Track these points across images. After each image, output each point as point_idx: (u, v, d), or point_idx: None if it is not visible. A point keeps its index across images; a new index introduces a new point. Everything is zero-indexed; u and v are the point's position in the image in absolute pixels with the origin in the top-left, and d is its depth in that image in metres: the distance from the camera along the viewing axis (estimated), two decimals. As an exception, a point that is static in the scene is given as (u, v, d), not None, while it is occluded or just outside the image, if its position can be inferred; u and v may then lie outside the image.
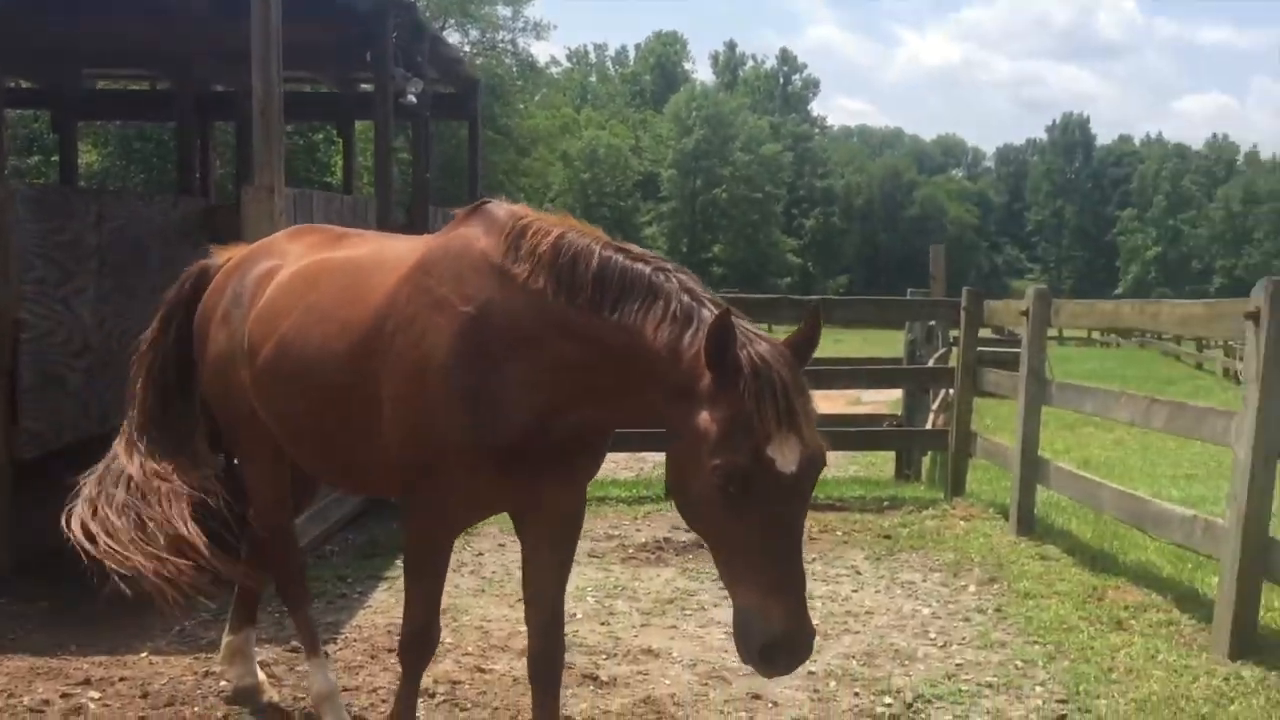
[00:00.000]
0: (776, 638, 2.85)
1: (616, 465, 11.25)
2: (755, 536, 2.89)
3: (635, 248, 3.35)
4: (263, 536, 4.61)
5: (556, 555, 3.85)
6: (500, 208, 3.59)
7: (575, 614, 6.02)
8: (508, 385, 3.34)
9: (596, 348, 3.23)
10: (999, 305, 9.13)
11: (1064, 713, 4.71)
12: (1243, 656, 5.08)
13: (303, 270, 4.18)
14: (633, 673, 5.25)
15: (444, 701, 4.86)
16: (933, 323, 11.72)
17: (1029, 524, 7.79)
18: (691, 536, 8.14)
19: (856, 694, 4.98)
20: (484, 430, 3.36)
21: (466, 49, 49.76)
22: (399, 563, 7.16)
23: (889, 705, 4.83)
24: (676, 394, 3.04)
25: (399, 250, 3.93)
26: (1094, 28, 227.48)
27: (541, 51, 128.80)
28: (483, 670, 5.25)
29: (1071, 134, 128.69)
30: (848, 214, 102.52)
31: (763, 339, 3.02)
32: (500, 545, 7.54)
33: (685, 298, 3.16)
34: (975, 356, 9.35)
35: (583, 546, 7.29)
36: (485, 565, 7.16)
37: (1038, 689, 5.01)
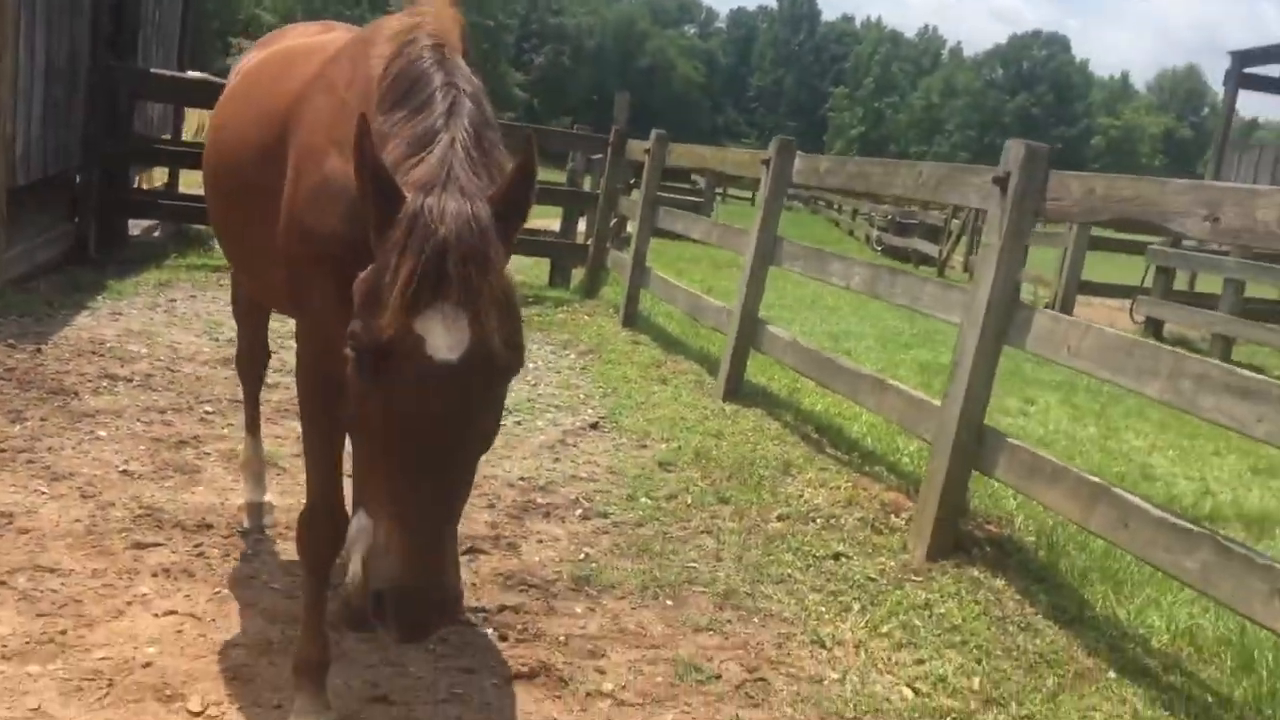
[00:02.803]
0: (386, 586, 2.12)
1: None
2: (389, 444, 2.19)
3: (462, 66, 2.68)
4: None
5: None
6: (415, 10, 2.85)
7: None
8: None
9: None
10: (635, 144, 11.03)
11: (596, 421, 6.77)
12: (730, 398, 7.32)
13: (259, 59, 3.94)
14: (292, 382, 6.92)
15: (139, 386, 6.33)
16: (598, 156, 13.55)
17: (633, 319, 9.89)
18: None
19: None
20: (357, 225, 2.50)
21: None
22: (101, 296, 8.47)
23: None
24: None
25: (340, 38, 3.47)
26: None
27: None
28: (172, 370, 6.75)
29: (800, 7, 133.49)
30: (578, 55, 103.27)
31: (456, 188, 2.29)
32: (191, 296, 8.94)
33: (441, 121, 2.47)
34: (616, 187, 11.31)
35: None
36: (177, 307, 8.53)
37: (589, 411, 7.05)
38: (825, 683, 3.79)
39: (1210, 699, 3.84)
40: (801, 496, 5.55)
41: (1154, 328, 15.00)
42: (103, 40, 10.03)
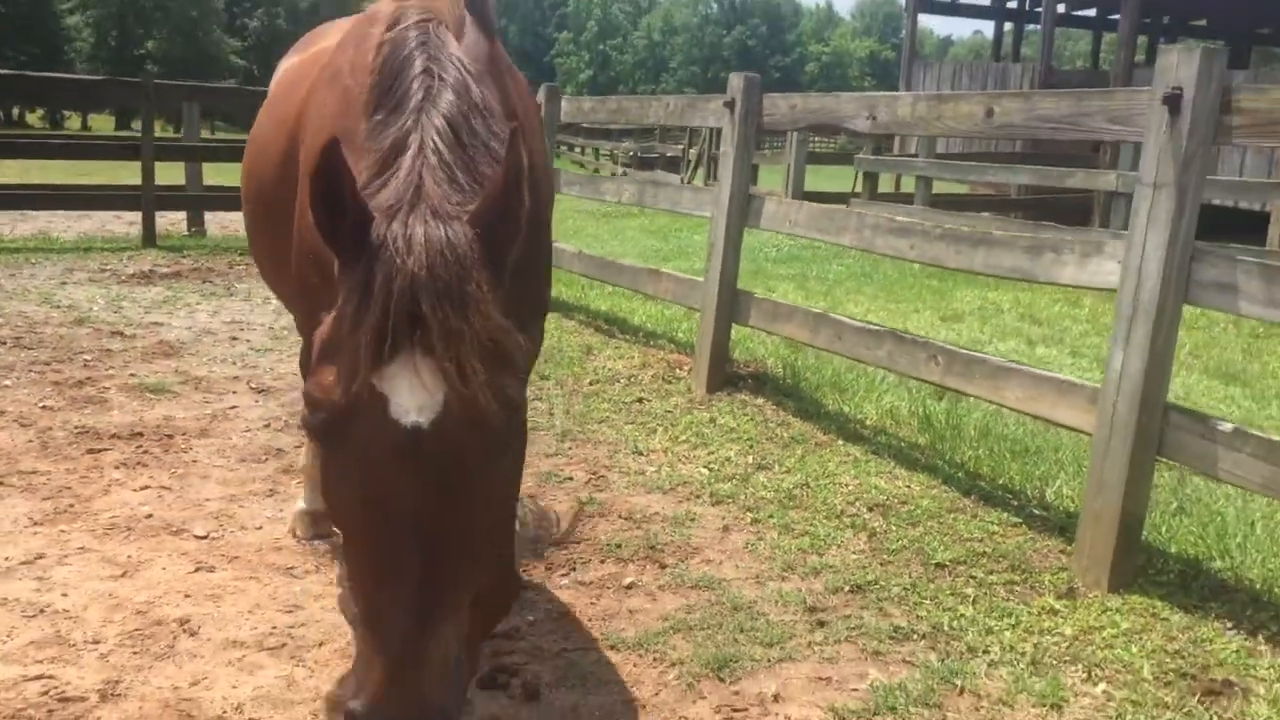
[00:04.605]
0: (355, 706, 1.72)
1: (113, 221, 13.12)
2: (355, 530, 1.80)
3: (449, 43, 2.27)
4: None
5: None
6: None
7: (93, 307, 8.37)
8: None
9: None
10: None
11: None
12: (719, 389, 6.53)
13: (293, 64, 3.66)
14: (148, 325, 7.83)
15: (14, 346, 7.13)
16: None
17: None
18: (175, 266, 10.62)
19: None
20: None
21: None
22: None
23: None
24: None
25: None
26: None
27: None
28: (35, 333, 7.54)
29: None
30: (294, 16, 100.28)
31: (426, 209, 1.87)
32: (11, 275, 9.55)
33: (411, 121, 2.06)
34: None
35: (82, 276, 9.61)
36: (3, 286, 9.15)
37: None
38: (646, 473, 5.29)
39: (904, 446, 5.59)
40: (605, 367, 7.03)
41: (868, 227, 17.34)
42: None
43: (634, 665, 3.54)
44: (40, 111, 69.88)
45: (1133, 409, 3.93)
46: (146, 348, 7.33)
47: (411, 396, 1.73)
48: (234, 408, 6.08)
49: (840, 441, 5.62)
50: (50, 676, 3.32)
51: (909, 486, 5.06)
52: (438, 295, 1.74)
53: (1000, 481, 5.11)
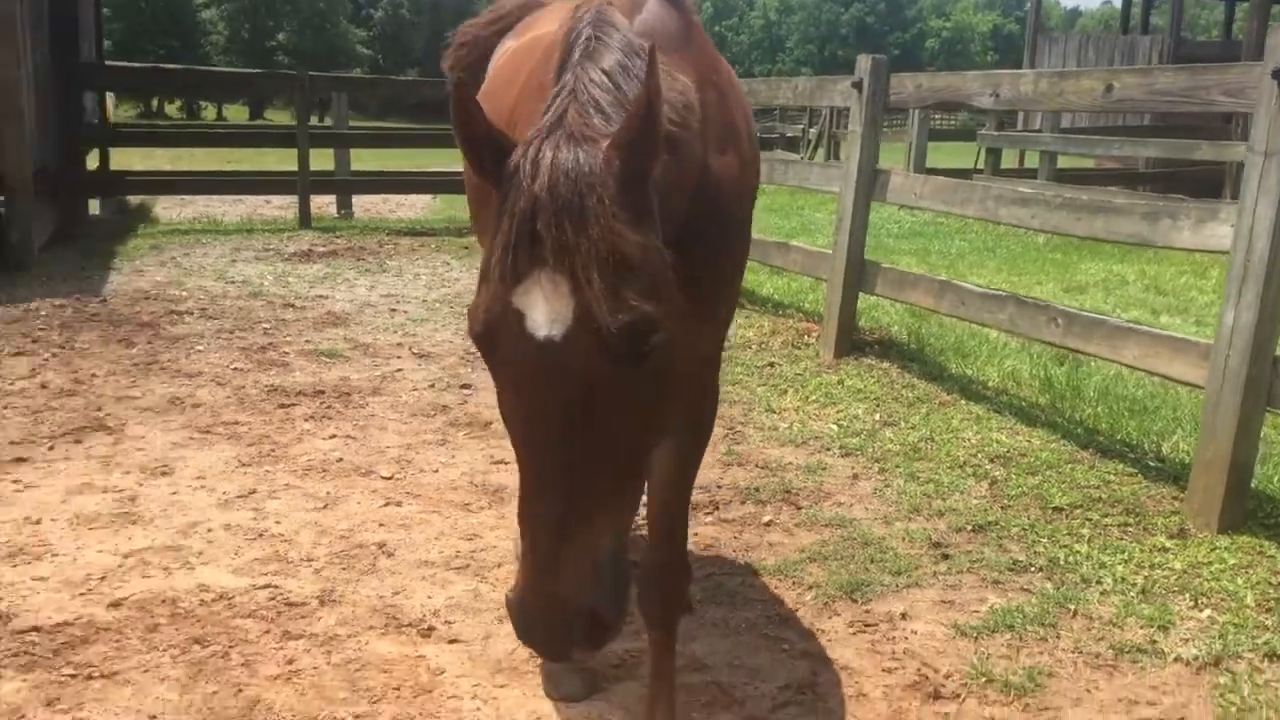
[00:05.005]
0: (510, 595, 1.89)
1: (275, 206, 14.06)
2: (513, 437, 1.93)
3: (619, 21, 2.25)
4: None
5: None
6: None
7: (264, 282, 9.13)
8: None
9: None
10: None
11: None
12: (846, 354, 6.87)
13: (510, 51, 3.54)
14: (314, 298, 8.54)
15: (201, 317, 7.88)
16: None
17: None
18: (331, 245, 11.40)
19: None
20: None
21: None
22: (116, 260, 9.89)
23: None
24: None
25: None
26: None
27: None
28: (217, 304, 8.30)
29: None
30: (417, 7, 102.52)
31: (562, 134, 1.91)
32: (185, 253, 10.43)
33: (569, 74, 2.10)
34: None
35: (249, 255, 10.43)
36: (180, 262, 10.01)
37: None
38: (779, 429, 5.71)
39: (1024, 405, 5.90)
40: (737, 335, 7.46)
41: (991, 204, 17.37)
42: (59, 43, 11.24)
43: (774, 587, 3.98)
44: (179, 102, 73.05)
45: (1243, 362, 4.21)
46: (316, 318, 8.01)
47: (537, 311, 1.79)
48: (399, 370, 6.69)
49: (963, 401, 5.96)
50: (275, 586, 3.91)
51: (1029, 441, 5.38)
52: (555, 212, 1.79)
53: (1118, 436, 5.39)
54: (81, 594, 3.78)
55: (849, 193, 6.67)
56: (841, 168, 6.95)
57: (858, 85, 6.64)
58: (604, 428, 1.83)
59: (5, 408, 5.67)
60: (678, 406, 2.26)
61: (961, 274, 10.34)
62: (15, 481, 4.73)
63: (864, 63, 6.64)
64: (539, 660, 3.43)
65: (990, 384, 6.24)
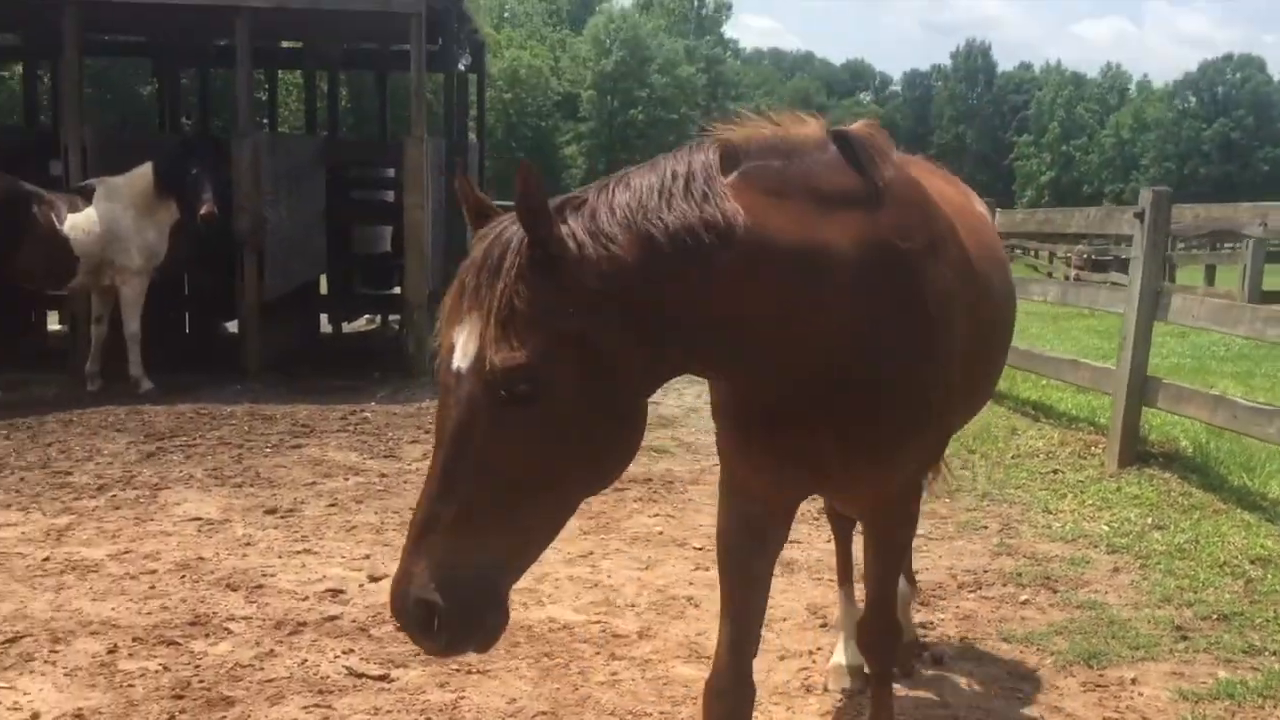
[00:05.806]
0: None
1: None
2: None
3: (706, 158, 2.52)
4: None
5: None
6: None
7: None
8: None
9: None
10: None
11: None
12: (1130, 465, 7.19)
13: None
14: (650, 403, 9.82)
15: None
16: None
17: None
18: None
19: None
20: None
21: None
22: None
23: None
24: None
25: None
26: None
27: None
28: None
29: (974, 61, 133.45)
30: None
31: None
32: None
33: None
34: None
35: None
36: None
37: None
38: (1052, 527, 6.25)
39: (1302, 518, 6.14)
40: (1026, 445, 8.00)
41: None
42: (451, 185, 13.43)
43: (1019, 652, 4.62)
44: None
45: None
46: (651, 421, 9.22)
47: (460, 347, 2.20)
48: (716, 464, 7.71)
49: (1238, 510, 6.26)
50: (605, 622, 4.96)
51: (1295, 548, 5.66)
52: (479, 269, 2.22)
53: (1390, 549, 5.56)
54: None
55: (1131, 314, 7.15)
56: (1124, 289, 7.44)
57: (1140, 215, 7.16)
58: (491, 457, 2.18)
59: (405, 482, 7.18)
60: (599, 470, 2.58)
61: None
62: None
63: (1146, 195, 7.17)
64: (810, 686, 4.34)
65: (1270, 496, 6.48)
